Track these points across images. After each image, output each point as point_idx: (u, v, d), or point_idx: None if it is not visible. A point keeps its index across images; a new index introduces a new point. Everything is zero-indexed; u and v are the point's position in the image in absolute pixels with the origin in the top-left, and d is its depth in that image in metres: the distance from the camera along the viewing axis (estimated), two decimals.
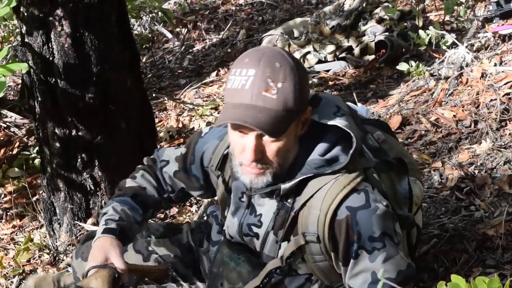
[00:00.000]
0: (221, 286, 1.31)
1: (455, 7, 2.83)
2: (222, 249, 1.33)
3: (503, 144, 2.10)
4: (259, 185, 1.16)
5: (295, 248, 1.16)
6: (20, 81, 3.24)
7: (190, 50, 3.97)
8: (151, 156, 1.47)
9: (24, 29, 2.16)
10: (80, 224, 2.08)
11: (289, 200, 1.16)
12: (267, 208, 1.20)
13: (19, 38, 2.44)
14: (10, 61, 2.30)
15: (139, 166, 1.47)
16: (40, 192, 2.45)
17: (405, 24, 3.16)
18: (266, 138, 1.11)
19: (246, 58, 1.10)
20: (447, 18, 3.19)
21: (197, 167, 1.39)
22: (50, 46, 2.09)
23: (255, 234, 1.23)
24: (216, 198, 1.42)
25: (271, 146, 1.11)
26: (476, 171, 1.90)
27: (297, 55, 3.12)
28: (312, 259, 1.17)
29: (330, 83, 3.03)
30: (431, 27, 2.73)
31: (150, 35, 4.09)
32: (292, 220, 1.16)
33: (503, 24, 2.70)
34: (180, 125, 2.85)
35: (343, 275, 1.16)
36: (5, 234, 2.10)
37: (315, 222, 1.12)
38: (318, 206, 1.11)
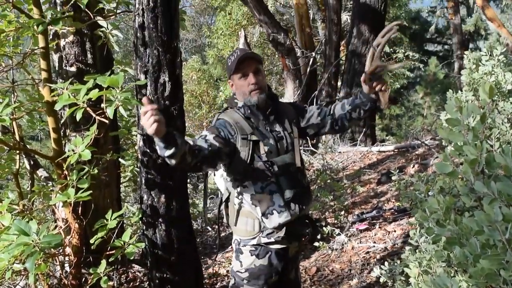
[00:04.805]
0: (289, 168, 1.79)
1: (339, 216, 4.25)
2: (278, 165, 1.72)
3: (365, 284, 2.86)
4: (262, 98, 1.67)
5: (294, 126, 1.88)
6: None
7: None
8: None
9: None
10: None
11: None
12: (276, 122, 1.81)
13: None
14: (138, 239, 2.71)
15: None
16: None
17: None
18: (257, 74, 1.66)
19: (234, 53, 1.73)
20: (336, 221, 4.31)
21: (226, 134, 1.69)
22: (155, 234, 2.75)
23: (280, 137, 1.78)
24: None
25: (259, 77, 1.68)
26: None
27: None
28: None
29: None
30: (328, 226, 3.81)
31: None
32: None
33: (360, 224, 3.99)
34: None
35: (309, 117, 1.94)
36: None
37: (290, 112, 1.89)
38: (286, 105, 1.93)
